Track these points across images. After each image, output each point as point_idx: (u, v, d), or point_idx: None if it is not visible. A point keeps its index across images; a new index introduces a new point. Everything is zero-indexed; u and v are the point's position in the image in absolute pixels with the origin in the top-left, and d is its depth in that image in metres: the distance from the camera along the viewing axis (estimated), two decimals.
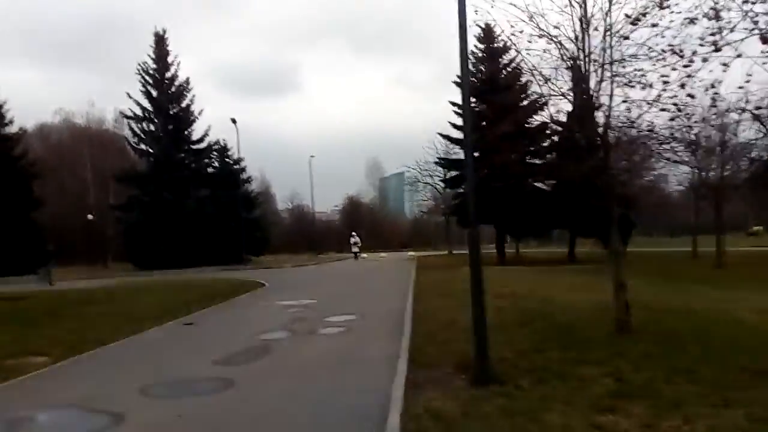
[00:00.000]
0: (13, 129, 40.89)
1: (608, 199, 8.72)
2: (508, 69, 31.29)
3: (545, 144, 31.14)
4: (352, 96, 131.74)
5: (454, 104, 32.00)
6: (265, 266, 35.82)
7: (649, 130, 7.74)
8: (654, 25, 6.65)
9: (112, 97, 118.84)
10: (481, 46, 31.95)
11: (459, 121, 31.99)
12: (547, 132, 30.21)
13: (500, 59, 31.58)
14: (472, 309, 6.68)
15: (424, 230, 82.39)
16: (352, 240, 40.56)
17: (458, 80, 31.98)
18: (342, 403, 5.71)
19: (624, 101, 7.78)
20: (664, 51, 6.75)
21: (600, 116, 8.51)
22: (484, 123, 30.89)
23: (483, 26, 31.62)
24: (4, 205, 36.95)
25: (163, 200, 37.91)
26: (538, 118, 30.76)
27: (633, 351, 7.22)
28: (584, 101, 8.08)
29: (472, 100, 32.19)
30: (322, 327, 10.24)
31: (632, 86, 7.90)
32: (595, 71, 8.00)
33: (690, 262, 28.10)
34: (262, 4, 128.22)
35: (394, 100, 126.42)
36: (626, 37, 7.04)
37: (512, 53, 30.83)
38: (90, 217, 39.80)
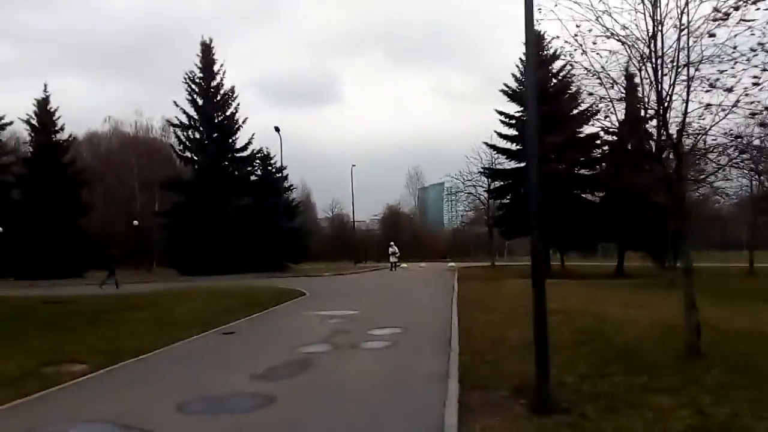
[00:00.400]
0: (63, 136, 42.21)
1: (678, 212, 8.03)
2: (558, 77, 30.51)
3: (596, 154, 30.15)
4: (391, 106, 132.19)
5: (501, 113, 31.47)
6: (305, 274, 35.71)
7: (736, 137, 7.02)
8: (744, 20, 6.01)
9: (159, 106, 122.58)
10: None
11: (506, 131, 31.44)
12: (598, 142, 29.32)
13: (550, 67, 30.81)
14: (534, 328, 6.15)
15: (464, 241, 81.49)
16: (391, 250, 39.95)
17: (506, 89, 31.69)
18: (390, 428, 5.28)
19: (708, 105, 7.08)
20: (753, 50, 6.11)
21: (671, 122, 7.85)
22: None
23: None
24: (53, 210, 38.06)
25: (206, 207, 38.29)
26: (588, 129, 30.00)
27: (708, 378, 6.57)
28: (657, 106, 7.43)
29: (519, 108, 31.61)
30: (365, 340, 9.83)
31: (709, 90, 7.27)
32: (668, 74, 7.38)
33: (747, 279, 26.61)
34: (302, 15, 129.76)
35: (432, 111, 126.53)
36: (712, 35, 6.41)
37: (561, 61, 30.25)
38: (135, 223, 40.59)
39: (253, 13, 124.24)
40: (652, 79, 7.69)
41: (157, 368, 8.12)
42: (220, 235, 37.72)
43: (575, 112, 29.45)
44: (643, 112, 7.77)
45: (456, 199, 70.09)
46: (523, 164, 31.16)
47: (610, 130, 27.05)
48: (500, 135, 31.56)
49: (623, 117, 26.69)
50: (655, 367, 7.16)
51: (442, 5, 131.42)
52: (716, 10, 6.17)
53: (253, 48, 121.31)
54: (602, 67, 7.62)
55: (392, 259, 39.35)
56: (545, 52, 30.53)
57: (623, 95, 7.74)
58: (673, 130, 7.97)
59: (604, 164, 30.24)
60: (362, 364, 8.07)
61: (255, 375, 7.28)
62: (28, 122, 41.14)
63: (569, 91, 30.09)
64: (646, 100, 7.86)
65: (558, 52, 29.93)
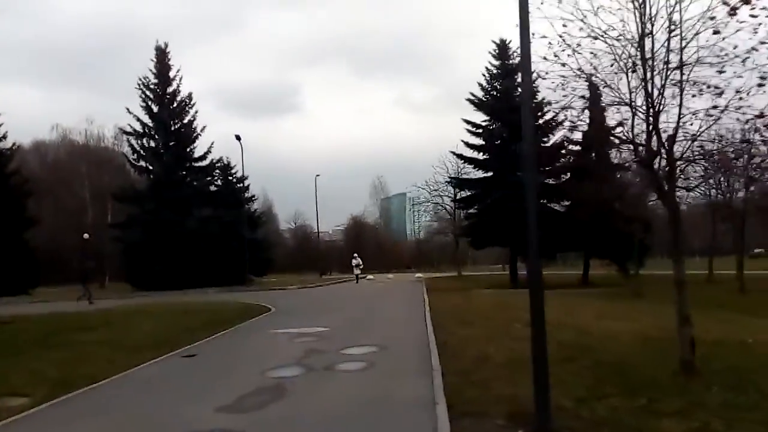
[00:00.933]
0: (6, 144, 40.09)
1: (673, 221, 7.71)
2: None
3: (560, 163, 30.31)
4: (354, 117, 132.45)
5: (468, 122, 31.32)
6: (269, 288, 34.81)
7: (743, 141, 6.73)
8: (754, 17, 5.71)
9: (112, 116, 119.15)
10: (496, 63, 31.29)
11: (472, 140, 31.30)
12: (563, 151, 29.50)
13: (515, 77, 30.89)
14: (533, 349, 5.72)
15: (428, 251, 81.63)
16: (354, 262, 39.30)
17: (472, 98, 31.58)
18: None
19: (695, 112, 6.79)
20: (754, 49, 5.82)
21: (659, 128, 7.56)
22: (498, 142, 30.13)
23: (498, 42, 31.51)
24: None
25: (164, 219, 36.97)
26: (552, 138, 30.16)
27: (711, 399, 6.23)
28: (647, 110, 7.11)
29: (485, 118, 31.56)
30: (341, 361, 9.22)
31: (700, 94, 7.00)
32: (659, 75, 7.07)
33: (709, 287, 26.91)
34: (260, 25, 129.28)
35: (395, 121, 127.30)
36: (717, 32, 6.11)
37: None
38: (86, 236, 38.80)
39: (211, 22, 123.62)
40: (642, 81, 7.38)
41: (111, 400, 7.32)
42: (178, 247, 36.46)
43: (540, 122, 29.57)
44: (629, 118, 7.38)
45: (420, 209, 70.04)
46: (490, 174, 31.10)
47: (574, 139, 27.19)
48: (467, 144, 31.45)
49: (587, 126, 26.76)
50: (653, 387, 6.80)
51: (404, 18, 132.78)
52: (725, 3, 5.84)
53: (210, 57, 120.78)
54: (594, 68, 7.21)
55: (356, 271, 38.76)
56: (511, 62, 30.68)
57: (620, 99, 7.34)
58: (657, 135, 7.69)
59: (568, 174, 30.43)
60: (340, 389, 7.46)
61: (221, 407, 6.58)
62: None
63: (534, 101, 30.27)
64: (634, 104, 7.53)
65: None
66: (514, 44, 30.89)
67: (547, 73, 7.38)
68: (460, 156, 32.72)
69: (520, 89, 30.79)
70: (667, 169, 7.29)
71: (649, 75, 7.31)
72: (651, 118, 7.38)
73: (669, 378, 7.21)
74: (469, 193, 33.38)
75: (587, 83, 8.05)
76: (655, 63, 7.15)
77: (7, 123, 39.81)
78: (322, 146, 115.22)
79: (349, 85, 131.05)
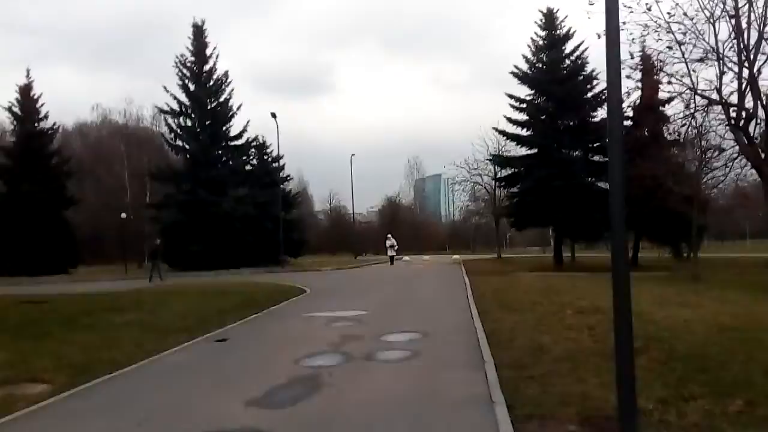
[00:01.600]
0: (47, 125, 40.63)
1: None
2: (571, 58, 29.03)
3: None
4: (387, 97, 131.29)
5: (511, 96, 29.90)
6: (304, 269, 34.48)
7: None
8: None
9: (151, 95, 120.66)
10: (542, 34, 29.70)
11: (516, 115, 29.98)
12: None
13: (563, 48, 29.33)
14: (616, 342, 4.85)
15: (464, 233, 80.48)
16: (388, 243, 37.77)
17: (516, 71, 30.16)
18: None
19: None
20: None
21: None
22: (543, 117, 28.75)
23: (544, 11, 29.95)
24: (38, 203, 36.57)
25: (200, 199, 36.82)
26: (602, 113, 28.58)
27: None
28: (740, 68, 6.07)
29: (530, 92, 30.16)
30: (381, 349, 8.51)
31: None
32: (758, 23, 6.01)
33: None
34: (292, 5, 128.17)
35: (428, 101, 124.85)
36: None
37: (576, 40, 28.81)
38: (123, 215, 39.07)
39: (242, 2, 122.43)
40: (735, 30, 6.31)
41: (132, 390, 6.75)
42: (214, 227, 36.31)
43: (589, 95, 28.16)
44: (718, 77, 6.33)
45: (456, 190, 68.72)
46: (534, 151, 29.74)
47: (626, 114, 25.65)
48: (509, 120, 29.99)
49: (639, 102, 25.13)
50: (746, 387, 5.85)
51: None
52: None
53: (243, 38, 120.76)
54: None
55: (390, 252, 37.31)
56: (558, 32, 29.13)
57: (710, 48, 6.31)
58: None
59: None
60: (382, 382, 6.73)
61: (252, 400, 5.93)
62: (9, 110, 39.58)
63: (583, 73, 28.77)
64: (726, 57, 6.48)
65: (571, 32, 28.87)
66: (562, 13, 29.39)
67: (624, 24, 6.35)
68: (502, 132, 31.16)
69: (606, 47, 29.00)
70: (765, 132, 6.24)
71: (744, 23, 6.25)
72: (746, 74, 6.33)
73: (763, 377, 6.24)
74: (511, 172, 32.02)
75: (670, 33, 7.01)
76: (753, 6, 6.09)
77: (49, 104, 40.46)
78: (356, 126, 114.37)
79: (381, 65, 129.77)
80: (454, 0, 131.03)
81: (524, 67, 29.54)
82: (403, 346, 8.71)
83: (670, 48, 7.05)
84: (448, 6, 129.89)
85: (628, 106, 28.04)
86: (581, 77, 28.45)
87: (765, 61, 5.72)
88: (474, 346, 8.53)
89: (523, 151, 30.96)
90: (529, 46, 29.50)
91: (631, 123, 28.15)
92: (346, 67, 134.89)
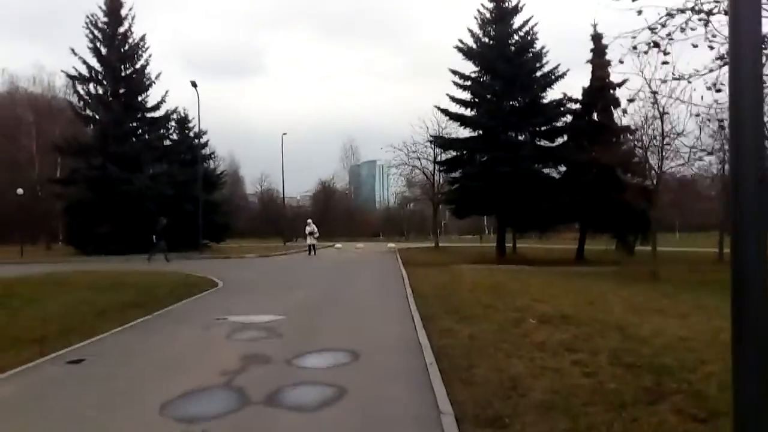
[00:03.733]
0: None
1: None
2: (520, 33, 27.07)
3: (559, 124, 27.13)
4: (322, 83, 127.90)
5: (455, 73, 27.60)
6: (225, 256, 31.41)
7: None
8: None
9: (65, 64, 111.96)
10: (490, 6, 27.49)
11: (460, 94, 27.77)
12: (561, 109, 26.36)
13: (511, 22, 27.27)
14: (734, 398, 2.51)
15: (398, 220, 78.95)
16: (308, 229, 32.80)
17: (461, 45, 27.81)
18: None
19: None
20: None
21: None
22: (489, 96, 26.73)
23: None
24: None
25: (109, 175, 32.87)
26: (551, 94, 26.99)
27: None
28: None
29: (475, 69, 28.08)
30: (293, 383, 6.00)
31: None
32: None
33: (725, 268, 24.11)
34: None
35: (364, 88, 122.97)
36: None
37: (525, 14, 26.93)
38: (20, 191, 34.52)
39: None
40: None
41: None
42: (125, 207, 32.56)
43: (538, 74, 26.38)
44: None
45: (392, 176, 66.52)
46: (478, 133, 27.67)
47: (574, 97, 24.00)
48: (453, 99, 27.67)
49: (588, 84, 23.45)
50: None
51: None
52: None
53: (174, 18, 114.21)
54: None
55: (309, 240, 32.47)
56: (506, 4, 27.08)
57: None
58: None
59: (565, 136, 27.37)
60: None
61: None
62: None
63: (532, 50, 26.96)
64: None
65: (520, 5, 26.86)
66: None
67: None
68: (445, 111, 28.75)
69: None
70: None
71: None
72: None
73: None
74: (453, 155, 29.82)
75: None
76: None
77: None
78: (291, 109, 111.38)
79: (317, 50, 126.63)
80: None
81: (470, 41, 27.37)
82: (324, 378, 6.23)
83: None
84: None
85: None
86: (530, 54, 26.60)
87: None
88: (421, 379, 6.17)
89: (466, 133, 28.91)
90: (475, 18, 27.28)
91: (580, 107, 26.71)
92: (279, 50, 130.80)
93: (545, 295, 12.82)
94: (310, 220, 34.39)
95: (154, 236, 27.31)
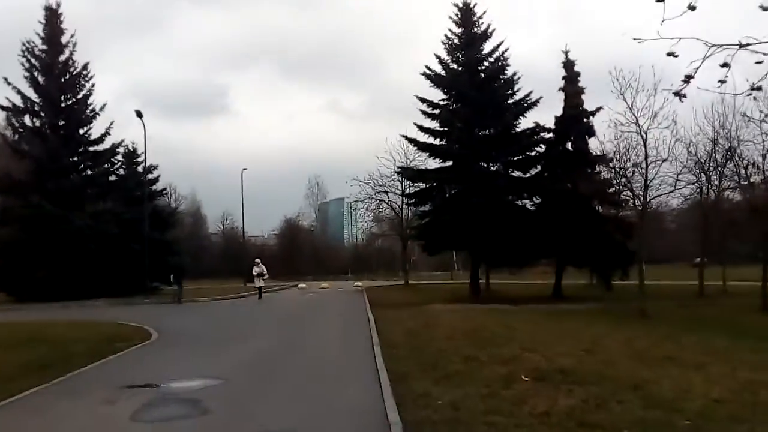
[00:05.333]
0: None
1: None
2: (490, 59, 25.99)
3: (532, 153, 25.99)
4: (286, 121, 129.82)
5: (423, 100, 26.19)
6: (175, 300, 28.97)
7: None
8: None
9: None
10: (458, 31, 26.33)
11: (428, 123, 26.39)
12: (535, 138, 25.24)
13: (481, 47, 26.14)
14: None
15: (367, 257, 77.17)
16: (256, 270, 28.53)
17: (428, 72, 26.37)
18: None
19: None
20: None
21: None
22: (459, 125, 25.44)
23: (460, 5, 26.83)
24: None
25: (45, 213, 30.29)
26: (524, 122, 25.89)
27: None
28: None
29: (443, 96, 26.92)
30: None
31: None
32: None
33: (711, 302, 22.83)
34: (182, 24, 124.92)
35: (328, 127, 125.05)
36: None
37: (496, 40, 26.02)
38: None
39: (134, 19, 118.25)
40: None
41: None
42: (63, 249, 29.93)
43: (511, 101, 25.28)
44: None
45: (359, 212, 64.67)
46: (449, 163, 26.21)
47: (546, 126, 22.93)
48: (421, 128, 26.08)
49: (561, 112, 22.42)
50: None
51: (332, 23, 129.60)
52: None
53: (131, 57, 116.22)
54: None
55: (258, 282, 28.38)
56: (475, 29, 26.06)
57: None
58: None
59: (539, 166, 26.21)
60: None
61: None
62: None
63: (503, 77, 25.94)
64: None
65: (490, 30, 25.91)
66: (480, 8, 26.27)
67: None
68: (412, 141, 27.13)
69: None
70: None
71: None
72: None
73: None
74: (422, 187, 28.23)
75: None
76: None
77: None
78: (255, 150, 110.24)
79: (279, 89, 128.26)
80: (350, 29, 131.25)
81: (438, 68, 26.08)
82: None
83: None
84: (343, 35, 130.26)
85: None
86: (502, 81, 25.50)
87: None
88: None
89: (436, 164, 27.43)
90: (443, 43, 26.01)
91: (553, 136, 25.67)
92: (241, 90, 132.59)
93: (534, 342, 11.16)
94: (258, 260, 30.11)
95: (171, 276, 27.30)
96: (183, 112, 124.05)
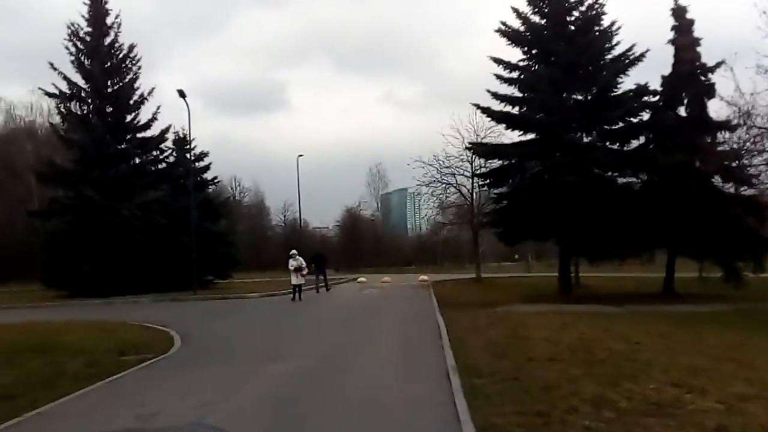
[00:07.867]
0: None
1: None
2: (581, 8, 22.25)
3: (635, 120, 22.17)
4: (342, 114, 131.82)
5: (499, 62, 22.64)
6: (224, 295, 27.15)
7: None
8: None
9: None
10: None
11: (504, 89, 22.88)
12: (639, 102, 21.49)
13: None
14: None
15: (430, 248, 74.53)
16: (293, 264, 23.27)
17: (503, 28, 22.66)
18: None
19: None
20: None
21: None
22: (544, 89, 21.91)
23: None
24: None
25: (91, 204, 29.13)
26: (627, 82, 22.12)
27: None
28: None
29: (524, 57, 23.48)
30: None
31: None
32: None
33: None
34: (242, 23, 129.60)
35: (386, 118, 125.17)
36: None
37: None
38: None
39: (193, 21, 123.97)
40: None
41: None
42: (109, 241, 28.65)
43: (608, 57, 21.61)
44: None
45: (425, 192, 61.35)
46: (532, 135, 22.56)
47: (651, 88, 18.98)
48: (495, 96, 22.43)
49: (670, 70, 18.27)
50: None
51: (385, 14, 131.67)
52: None
53: (195, 56, 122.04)
54: None
55: (294, 279, 23.04)
56: None
57: None
58: None
59: (641, 137, 22.41)
60: None
61: None
62: None
63: (597, 28, 22.26)
64: None
65: None
66: None
67: None
68: (486, 111, 23.29)
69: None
70: None
71: None
72: None
73: None
74: (498, 164, 24.86)
75: None
76: None
77: None
78: (313, 143, 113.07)
79: (334, 83, 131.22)
80: (403, 19, 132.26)
81: (515, 24, 22.50)
82: None
83: None
84: (397, 26, 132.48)
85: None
86: (596, 33, 21.77)
87: None
88: None
89: (514, 137, 23.85)
90: None
91: (660, 99, 21.82)
92: (299, 85, 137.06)
93: (682, 369, 7.92)
94: (294, 251, 24.40)
95: (312, 264, 27.09)
96: (244, 108, 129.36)
